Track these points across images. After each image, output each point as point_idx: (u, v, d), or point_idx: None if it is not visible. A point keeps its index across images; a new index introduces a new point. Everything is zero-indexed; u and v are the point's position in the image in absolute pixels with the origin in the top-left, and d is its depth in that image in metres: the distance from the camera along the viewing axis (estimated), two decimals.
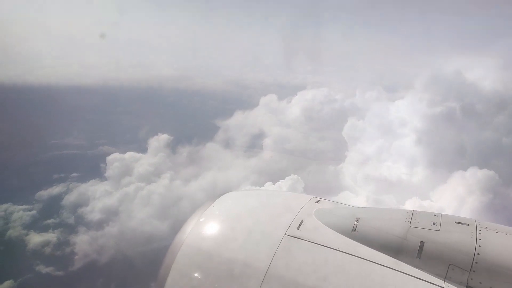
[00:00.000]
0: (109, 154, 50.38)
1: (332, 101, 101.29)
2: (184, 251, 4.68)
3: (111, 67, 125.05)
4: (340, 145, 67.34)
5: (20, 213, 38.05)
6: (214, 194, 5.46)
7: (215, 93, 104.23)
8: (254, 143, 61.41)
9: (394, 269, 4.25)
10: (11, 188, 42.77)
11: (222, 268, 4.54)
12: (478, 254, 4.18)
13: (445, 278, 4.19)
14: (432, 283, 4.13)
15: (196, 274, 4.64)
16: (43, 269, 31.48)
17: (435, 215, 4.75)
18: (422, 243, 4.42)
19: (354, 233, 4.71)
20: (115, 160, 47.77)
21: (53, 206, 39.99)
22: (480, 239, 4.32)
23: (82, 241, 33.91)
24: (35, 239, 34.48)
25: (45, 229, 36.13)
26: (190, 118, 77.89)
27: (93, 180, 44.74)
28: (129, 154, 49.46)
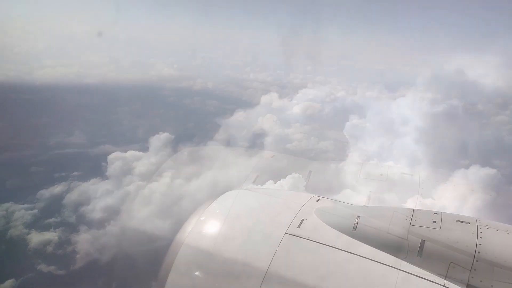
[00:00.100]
0: (110, 153, 50.26)
1: (333, 100, 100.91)
2: (184, 250, 4.69)
3: (112, 67, 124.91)
4: (341, 144, 67.11)
5: (22, 212, 37.98)
6: (215, 193, 5.45)
7: (216, 92, 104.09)
8: (255, 142, 61.31)
9: (394, 268, 4.24)
10: (12, 187, 42.76)
11: (222, 267, 4.53)
12: (479, 252, 4.17)
13: (446, 276, 4.18)
14: (433, 282, 4.13)
15: (196, 273, 4.64)
16: (45, 268, 31.43)
17: (435, 213, 4.74)
18: (423, 241, 4.42)
19: (354, 231, 4.70)
20: (116, 159, 47.69)
21: (54, 205, 39.90)
22: (480, 238, 4.31)
23: (83, 240, 33.90)
24: (37, 238, 34.42)
25: (46, 228, 36.06)
26: (190, 118, 77.81)
27: (94, 179, 44.66)
28: (130, 153, 49.39)
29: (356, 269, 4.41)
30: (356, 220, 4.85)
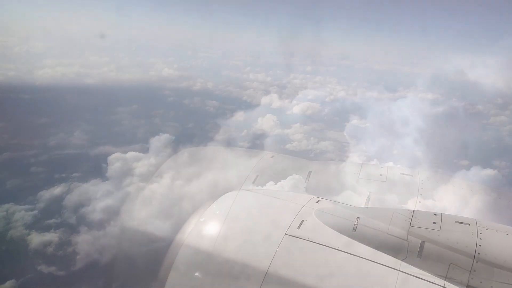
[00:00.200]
0: (110, 154, 50.30)
1: (333, 101, 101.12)
2: (184, 250, 4.68)
3: (111, 67, 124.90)
4: (341, 145, 67.30)
5: (22, 213, 37.97)
6: (215, 194, 5.45)
7: (216, 92, 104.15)
8: (255, 143, 61.33)
9: (394, 269, 4.24)
10: (13, 188, 42.81)
11: (222, 267, 4.53)
12: (479, 253, 4.17)
13: (446, 277, 4.18)
14: (432, 283, 4.13)
15: (196, 274, 4.64)
16: (45, 269, 31.42)
17: (435, 214, 4.74)
18: (423, 242, 4.42)
19: (354, 232, 4.70)
20: (116, 160, 47.72)
21: (54, 206, 39.89)
22: (480, 239, 4.31)
23: (83, 241, 33.89)
24: (37, 239, 34.40)
25: (46, 229, 36.03)
26: (190, 118, 77.83)
27: (95, 180, 44.66)
28: (131, 154, 49.44)
29: (355, 270, 4.40)
30: (356, 221, 4.85)
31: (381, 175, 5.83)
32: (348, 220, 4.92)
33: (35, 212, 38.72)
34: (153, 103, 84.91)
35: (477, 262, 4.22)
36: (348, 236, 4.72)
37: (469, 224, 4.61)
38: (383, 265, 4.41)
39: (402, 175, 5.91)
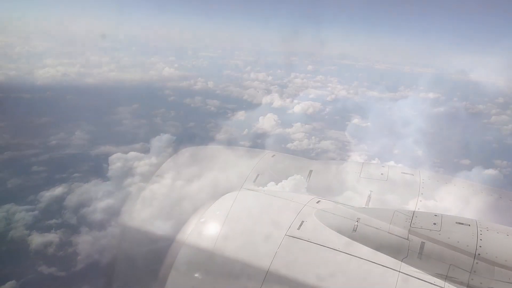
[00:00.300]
0: (111, 153, 50.38)
1: (334, 100, 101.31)
2: (184, 251, 4.68)
3: (112, 67, 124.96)
4: (342, 145, 67.37)
5: (23, 213, 37.93)
6: (215, 194, 5.45)
7: (216, 92, 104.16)
8: (256, 143, 61.37)
9: (394, 269, 4.23)
10: (13, 188, 42.83)
11: (222, 267, 4.53)
12: (479, 254, 4.15)
13: (446, 278, 4.17)
14: (432, 284, 4.11)
15: (196, 274, 4.63)
16: (46, 269, 31.35)
17: (435, 215, 4.73)
18: (423, 243, 4.40)
19: (354, 233, 4.69)
20: (117, 160, 47.79)
21: (55, 206, 39.85)
22: (480, 240, 4.29)
23: (84, 242, 33.87)
24: (38, 239, 34.35)
25: (47, 229, 35.97)
26: (191, 118, 77.87)
27: (95, 180, 44.67)
28: (132, 154, 49.50)
29: (356, 270, 4.40)
30: (356, 222, 4.85)
31: (382, 174, 5.82)
32: (348, 221, 4.92)
33: (36, 212, 38.72)
34: (153, 102, 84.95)
35: (477, 262, 4.21)
36: (348, 236, 4.71)
37: (469, 225, 4.60)
38: (383, 265, 4.41)
39: (403, 174, 5.90)
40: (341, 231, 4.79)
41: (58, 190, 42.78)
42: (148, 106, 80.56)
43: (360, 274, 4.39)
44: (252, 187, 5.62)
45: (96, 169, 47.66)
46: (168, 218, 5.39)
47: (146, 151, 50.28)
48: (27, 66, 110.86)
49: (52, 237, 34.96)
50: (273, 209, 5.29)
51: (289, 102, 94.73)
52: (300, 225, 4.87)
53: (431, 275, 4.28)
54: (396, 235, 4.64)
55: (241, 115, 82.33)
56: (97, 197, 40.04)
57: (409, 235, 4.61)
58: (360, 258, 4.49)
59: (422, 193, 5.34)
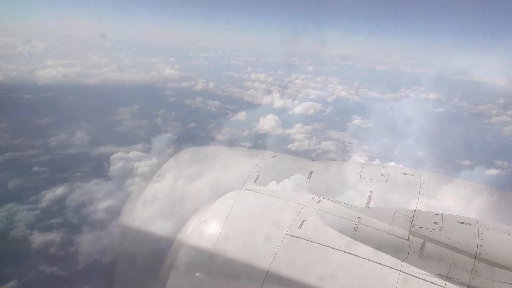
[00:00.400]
0: (112, 153, 50.45)
1: (335, 101, 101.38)
2: (185, 251, 4.68)
3: (113, 67, 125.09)
4: (343, 145, 67.37)
5: (24, 213, 37.95)
6: (216, 194, 5.45)
7: (217, 92, 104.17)
8: (257, 143, 61.41)
9: (395, 269, 4.23)
10: (15, 188, 42.87)
11: (223, 267, 4.53)
12: (480, 254, 4.16)
13: (447, 278, 4.17)
14: (433, 283, 4.12)
15: (197, 274, 4.63)
16: (47, 269, 31.36)
17: (436, 214, 4.73)
18: (424, 242, 4.41)
19: (355, 232, 4.70)
20: (118, 159, 47.84)
21: (56, 205, 39.91)
22: (481, 239, 4.30)
23: (85, 241, 33.86)
24: (39, 239, 34.40)
25: (49, 229, 35.98)
26: (192, 118, 77.86)
27: (97, 179, 44.70)
28: (133, 154, 49.57)
29: (356, 270, 4.40)
30: (357, 221, 4.85)
31: (382, 175, 5.82)
32: (349, 220, 4.92)
33: (37, 212, 38.72)
34: (154, 103, 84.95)
35: (478, 262, 4.21)
36: (349, 236, 4.71)
37: (470, 224, 4.60)
38: (384, 265, 4.41)
39: (403, 175, 5.90)
40: (342, 231, 4.79)
41: (59, 190, 42.78)
42: (148, 107, 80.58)
43: (361, 273, 4.40)
44: (253, 188, 5.62)
45: (97, 169, 47.69)
46: (168, 218, 5.39)
47: (147, 151, 50.39)
48: (28, 67, 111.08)
49: (54, 236, 34.98)
50: (273, 209, 5.29)
51: (290, 103, 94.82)
52: (301, 224, 4.87)
53: (432, 274, 4.28)
54: (396, 235, 4.64)
55: (241, 115, 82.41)
56: (98, 196, 40.06)
57: (410, 234, 4.61)
58: (360, 257, 4.49)
59: (422, 194, 5.34)
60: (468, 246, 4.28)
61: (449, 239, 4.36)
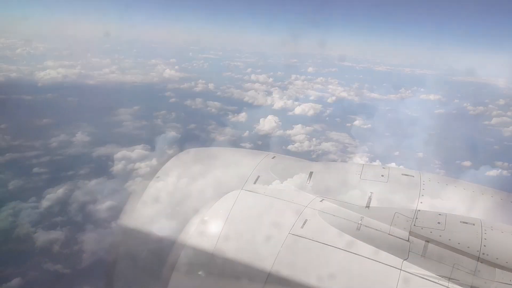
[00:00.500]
0: (116, 152, 50.55)
1: (335, 102, 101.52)
2: (186, 251, 4.69)
3: (113, 68, 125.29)
4: (343, 147, 67.39)
5: (28, 211, 37.99)
6: (217, 194, 5.45)
7: (217, 94, 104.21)
8: (257, 144, 61.45)
9: (398, 269, 4.23)
10: (19, 186, 42.91)
11: (225, 267, 4.54)
12: (483, 254, 4.15)
13: (450, 278, 4.17)
14: (436, 283, 4.11)
15: (199, 273, 4.63)
16: (51, 267, 31.38)
17: (440, 214, 4.74)
18: (426, 242, 4.41)
19: (357, 232, 4.70)
20: (122, 158, 47.97)
21: (61, 204, 39.90)
22: (485, 239, 4.30)
23: (89, 239, 33.87)
24: (43, 237, 34.43)
25: (53, 227, 35.99)
26: (192, 119, 77.91)
27: (101, 178, 44.74)
28: (136, 152, 49.70)
29: (358, 269, 4.40)
30: (359, 221, 4.85)
31: (382, 176, 5.80)
32: (351, 220, 4.91)
33: (42, 210, 38.76)
34: (154, 104, 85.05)
35: (481, 262, 4.20)
36: (351, 235, 4.71)
37: (473, 224, 4.59)
38: (386, 264, 4.40)
39: (404, 176, 5.88)
40: (344, 230, 4.78)
41: (63, 188, 42.77)
42: (149, 108, 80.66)
43: (363, 273, 4.39)
44: (253, 188, 5.61)
45: (97, 170, 47.71)
46: (169, 219, 5.37)
47: (150, 149, 50.51)
48: (28, 68, 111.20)
49: (58, 234, 35.00)
50: (275, 209, 5.29)
51: (290, 104, 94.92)
52: (304, 224, 4.86)
53: (435, 274, 4.28)
54: (399, 234, 4.63)
55: (242, 117, 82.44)
56: (102, 194, 40.07)
57: (412, 234, 4.60)
58: (363, 256, 4.49)
59: (423, 195, 5.33)
60: (471, 247, 4.27)
61: (452, 239, 4.35)
